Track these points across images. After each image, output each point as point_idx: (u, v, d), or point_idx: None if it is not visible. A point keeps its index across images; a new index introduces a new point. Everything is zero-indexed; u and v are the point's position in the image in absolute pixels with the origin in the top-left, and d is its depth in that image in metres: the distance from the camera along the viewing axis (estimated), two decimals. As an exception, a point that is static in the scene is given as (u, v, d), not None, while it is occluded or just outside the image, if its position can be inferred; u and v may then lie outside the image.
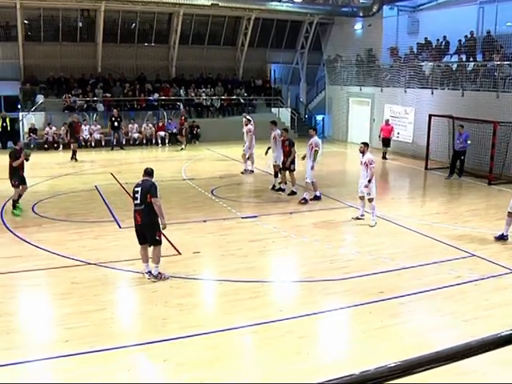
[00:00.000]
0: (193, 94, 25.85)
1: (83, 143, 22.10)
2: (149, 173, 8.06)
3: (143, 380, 5.36)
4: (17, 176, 11.77)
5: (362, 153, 11.22)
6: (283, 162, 13.96)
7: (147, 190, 7.71)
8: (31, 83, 23.39)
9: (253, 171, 17.09)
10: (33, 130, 21.80)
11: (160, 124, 23.99)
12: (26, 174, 12.17)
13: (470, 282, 7.83)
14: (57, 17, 23.74)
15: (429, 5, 23.06)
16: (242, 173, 17.05)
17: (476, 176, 16.42)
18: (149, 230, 7.76)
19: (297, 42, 28.89)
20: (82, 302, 7.00)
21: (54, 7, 23.14)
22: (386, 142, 20.40)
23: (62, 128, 21.71)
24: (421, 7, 23.48)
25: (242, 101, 26.57)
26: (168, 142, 23.61)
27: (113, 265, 8.47)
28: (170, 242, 9.48)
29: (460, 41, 20.34)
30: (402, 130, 21.56)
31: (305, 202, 12.94)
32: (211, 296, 7.88)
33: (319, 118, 29.36)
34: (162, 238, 8.19)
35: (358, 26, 25.68)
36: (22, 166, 11.92)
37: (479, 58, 19.26)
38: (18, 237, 9.94)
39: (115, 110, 22.46)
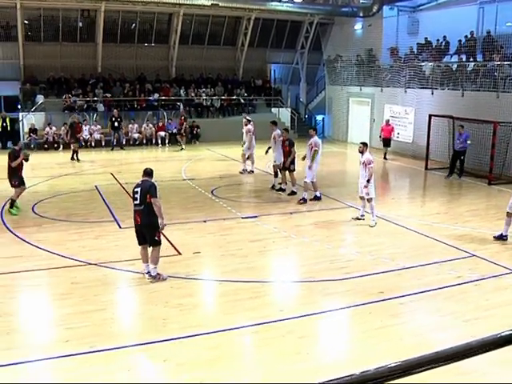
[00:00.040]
0: (193, 94, 25.86)
1: (83, 143, 22.09)
2: (148, 173, 8.05)
3: (143, 380, 5.36)
4: (16, 176, 11.78)
5: (361, 153, 11.23)
6: (283, 162, 13.97)
7: (147, 190, 7.70)
8: (31, 83, 23.40)
9: (253, 171, 17.10)
10: (33, 130, 21.81)
11: (160, 124, 23.99)
12: (25, 175, 12.18)
13: (470, 282, 7.83)
14: (57, 17, 23.75)
15: (429, 5, 23.07)
16: (241, 172, 17.09)
17: (476, 176, 16.42)
18: (148, 231, 7.76)
19: (297, 42, 28.89)
20: (83, 302, 7.00)
21: (54, 7, 23.14)
22: (387, 142, 20.40)
23: (62, 128, 21.72)
24: (421, 7, 23.49)
25: (242, 101, 26.58)
26: (168, 142, 23.60)
27: (113, 265, 8.47)
28: (170, 242, 9.48)
29: (460, 41, 20.35)
30: (402, 130, 21.56)
31: (304, 201, 12.95)
32: (211, 296, 7.88)
33: (319, 118, 29.36)
34: (162, 238, 8.20)
35: (358, 26, 25.69)
36: (21, 167, 11.92)
37: (479, 58, 19.27)
38: (18, 237, 9.94)
39: (115, 110, 22.47)
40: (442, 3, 22.08)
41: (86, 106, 23.79)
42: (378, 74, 23.94)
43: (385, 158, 20.26)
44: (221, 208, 12.47)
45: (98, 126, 23.12)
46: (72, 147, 19.45)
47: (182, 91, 25.66)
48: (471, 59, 19.54)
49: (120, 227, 10.67)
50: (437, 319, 6.65)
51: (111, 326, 6.42)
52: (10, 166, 11.75)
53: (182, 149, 22.40)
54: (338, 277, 8.06)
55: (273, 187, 14.61)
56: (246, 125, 17.24)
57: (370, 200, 11.05)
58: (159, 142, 23.66)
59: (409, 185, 17.13)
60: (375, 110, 23.87)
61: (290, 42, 28.84)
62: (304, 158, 13.12)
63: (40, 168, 17.35)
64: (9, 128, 21.80)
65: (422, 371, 1.53)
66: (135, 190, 7.87)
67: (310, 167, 12.86)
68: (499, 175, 16.02)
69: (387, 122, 20.78)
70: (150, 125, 23.87)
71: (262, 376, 5.38)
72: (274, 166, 14.87)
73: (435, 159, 18.75)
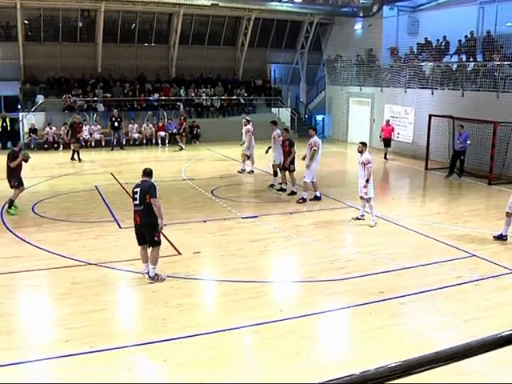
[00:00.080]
0: (193, 94, 25.85)
1: (83, 143, 22.09)
2: (148, 173, 8.05)
3: (143, 380, 5.36)
4: (16, 177, 11.78)
5: (361, 152, 11.24)
6: (283, 162, 13.98)
7: (146, 190, 7.70)
8: (31, 83, 23.40)
9: (253, 171, 17.11)
10: (33, 130, 21.81)
11: (160, 124, 23.99)
12: (25, 175, 12.17)
13: (470, 282, 7.83)
14: (57, 17, 23.75)
15: (429, 5, 23.08)
16: (239, 172, 17.12)
17: (476, 176, 16.42)
18: (148, 231, 7.76)
19: (297, 42, 28.89)
20: (82, 302, 7.00)
21: (54, 7, 23.14)
22: (387, 142, 20.40)
23: (63, 128, 21.73)
24: (421, 7, 23.50)
25: (242, 101, 26.58)
26: (168, 142, 23.60)
27: (113, 265, 8.47)
28: (170, 242, 9.49)
29: (460, 41, 20.35)
30: (402, 130, 21.56)
31: (303, 201, 12.96)
32: (211, 296, 7.88)
33: (319, 118, 29.36)
34: (162, 238, 8.19)
35: (358, 26, 25.69)
36: (20, 167, 11.91)
37: (479, 58, 19.27)
38: (18, 237, 9.94)
39: (115, 110, 22.47)
40: (442, 3, 22.09)
41: (85, 105, 23.79)
42: (377, 74, 23.94)
43: (385, 158, 20.26)
44: (221, 208, 12.47)
45: (98, 126, 23.12)
46: (72, 147, 19.45)
47: (182, 91, 25.66)
48: (471, 59, 19.54)
49: (120, 227, 10.67)
50: (437, 319, 6.65)
51: (111, 326, 6.42)
52: (8, 166, 11.74)
53: (181, 149, 22.40)
54: (337, 277, 8.06)
55: (271, 186, 14.66)
56: (246, 125, 17.32)
57: (368, 200, 11.06)
58: (159, 142, 23.67)
59: (409, 185, 17.13)
60: (375, 110, 23.87)
61: (289, 41, 28.84)
62: (304, 158, 13.13)
63: (40, 168, 17.35)
64: (9, 128, 21.79)
65: (422, 371, 1.53)
66: (135, 190, 7.87)
67: (307, 166, 12.88)
68: (499, 175, 16.02)
69: (387, 122, 20.77)
70: (150, 125, 23.87)
71: (262, 376, 5.38)
72: (273, 165, 14.91)
73: (435, 159, 18.75)
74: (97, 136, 22.83)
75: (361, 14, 24.64)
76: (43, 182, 15.39)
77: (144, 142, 23.63)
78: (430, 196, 14.95)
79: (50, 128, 22.12)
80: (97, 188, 14.53)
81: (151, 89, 25.41)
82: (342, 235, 10.90)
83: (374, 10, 23.62)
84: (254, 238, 10.14)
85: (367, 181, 10.91)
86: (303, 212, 12.30)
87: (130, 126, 23.49)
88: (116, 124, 22.26)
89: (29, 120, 22.22)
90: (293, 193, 13.71)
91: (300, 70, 29.24)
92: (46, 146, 21.83)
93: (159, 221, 7.68)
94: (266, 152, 15.69)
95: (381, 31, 23.79)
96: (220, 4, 22.94)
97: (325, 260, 8.85)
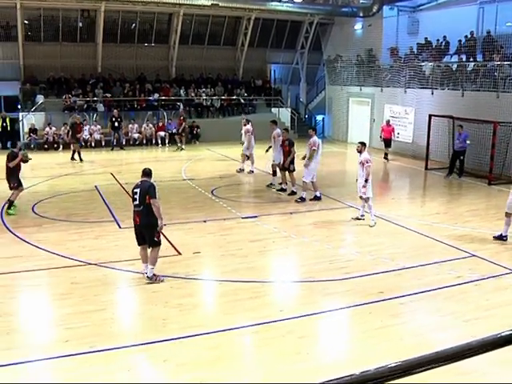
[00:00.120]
0: (193, 94, 25.85)
1: (83, 143, 22.09)
2: (147, 173, 8.04)
3: (143, 380, 5.36)
4: (15, 178, 11.77)
5: (360, 152, 11.25)
6: (283, 162, 13.98)
7: (146, 190, 7.69)
8: (31, 83, 23.40)
9: (253, 171, 17.11)
10: (33, 130, 21.80)
11: (160, 124, 23.99)
12: (25, 175, 12.17)
13: (470, 282, 7.83)
14: (57, 17, 23.75)
15: (429, 5, 23.08)
16: (238, 171, 17.14)
17: (476, 176, 16.42)
18: (148, 231, 7.75)
19: (297, 42, 28.89)
20: (82, 302, 7.00)
21: (54, 7, 23.15)
22: (387, 142, 20.38)
23: (63, 128, 21.73)
24: (421, 7, 23.50)
25: (242, 101, 26.58)
26: (168, 143, 23.60)
27: (113, 265, 8.47)
28: (170, 242, 9.49)
29: (460, 41, 20.35)
30: (401, 130, 21.56)
31: (301, 200, 12.96)
32: (211, 296, 7.88)
33: (319, 118, 29.37)
34: (162, 238, 8.19)
35: (358, 26, 25.69)
36: (19, 168, 11.89)
37: (479, 58, 19.27)
38: (18, 237, 9.94)
39: (115, 110, 22.47)
40: (442, 3, 22.08)
41: (86, 106, 23.79)
42: (378, 74, 23.94)
43: (385, 158, 20.25)
44: (221, 208, 12.47)
45: (98, 126, 23.11)
46: (72, 147, 19.45)
47: (181, 91, 25.66)
48: (471, 59, 19.54)
49: (120, 227, 10.67)
50: (437, 319, 6.65)
51: (111, 326, 6.42)
52: (8, 167, 11.73)
53: (181, 149, 22.39)
54: (337, 277, 8.06)
55: (269, 185, 14.67)
56: (245, 125, 17.37)
57: (367, 200, 11.06)
58: (159, 142, 23.67)
59: (409, 185, 17.13)
60: (375, 110, 23.87)
61: (289, 42, 28.84)
62: (304, 158, 13.14)
63: (40, 168, 17.35)
64: (9, 128, 21.80)
65: (422, 371, 1.53)
66: (134, 190, 7.87)
67: (305, 165, 12.88)
68: (499, 175, 16.01)
69: (388, 122, 20.74)
70: (150, 125, 23.87)
71: (262, 376, 5.38)
72: (272, 165, 14.93)
73: (435, 159, 18.75)
74: (97, 136, 22.83)
75: (361, 14, 24.64)
76: (43, 182, 15.39)
77: (144, 142, 23.62)
78: (429, 196, 14.95)
79: (50, 128, 22.12)
80: (97, 188, 14.53)
81: (151, 89, 25.41)
82: (342, 235, 10.90)
83: (374, 10, 23.62)
84: (253, 238, 10.14)
85: (366, 180, 10.91)
86: (303, 212, 12.30)
87: (130, 126, 23.49)
88: (116, 124, 22.26)
89: (29, 120, 22.22)
90: (293, 193, 13.71)
91: (300, 70, 29.24)
92: (45, 146, 21.83)
93: (159, 221, 7.67)
94: (267, 151, 15.76)
95: (381, 31, 23.80)
96: (220, 4, 22.94)
97: (325, 260, 8.85)
